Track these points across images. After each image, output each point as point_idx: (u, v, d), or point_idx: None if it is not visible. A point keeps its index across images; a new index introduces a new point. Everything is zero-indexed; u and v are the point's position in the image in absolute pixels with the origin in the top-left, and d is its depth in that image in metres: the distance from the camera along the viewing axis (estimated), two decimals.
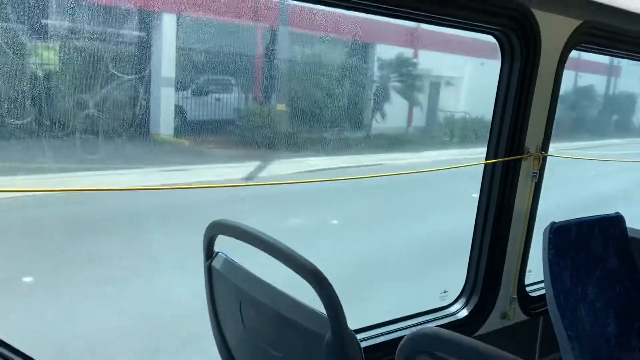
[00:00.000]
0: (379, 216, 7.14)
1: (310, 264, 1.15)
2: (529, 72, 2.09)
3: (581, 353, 1.86)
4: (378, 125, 9.77)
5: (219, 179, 7.65)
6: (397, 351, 1.00)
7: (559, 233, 1.95)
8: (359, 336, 1.91)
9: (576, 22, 2.14)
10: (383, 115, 9.75)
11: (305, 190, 7.69)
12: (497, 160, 2.12)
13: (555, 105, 2.21)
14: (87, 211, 5.44)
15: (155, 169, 7.13)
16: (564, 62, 2.18)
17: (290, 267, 1.17)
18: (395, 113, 9.79)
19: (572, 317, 1.90)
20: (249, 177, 7.99)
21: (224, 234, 1.37)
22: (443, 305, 2.24)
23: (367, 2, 1.69)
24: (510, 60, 2.09)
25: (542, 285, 2.62)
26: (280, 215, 6.77)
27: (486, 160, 2.16)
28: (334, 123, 9.29)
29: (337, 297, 1.12)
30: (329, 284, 1.13)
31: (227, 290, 1.41)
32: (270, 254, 1.21)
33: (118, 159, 6.66)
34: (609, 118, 14.76)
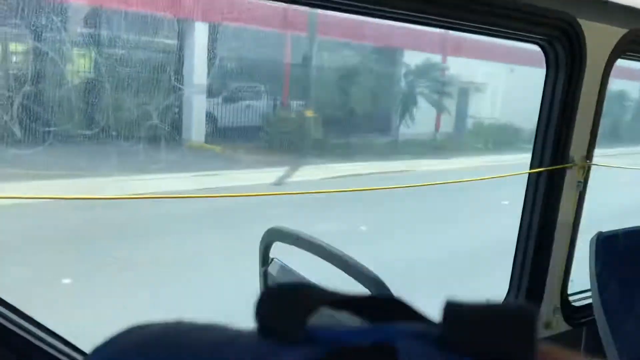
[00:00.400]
0: (407, 223, 7.12)
1: (371, 271, 1.15)
2: (574, 81, 2.08)
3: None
4: (406, 131, 9.74)
5: (248, 184, 7.74)
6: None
7: (606, 243, 1.93)
8: None
9: (622, 31, 2.12)
10: (411, 121, 9.72)
11: (334, 195, 7.70)
12: (541, 170, 2.11)
13: (600, 114, 2.19)
14: (124, 216, 5.54)
15: (188, 174, 7.24)
16: (610, 70, 2.16)
17: (350, 275, 1.17)
18: (423, 119, 9.76)
19: (620, 331, 1.88)
20: (278, 183, 8.05)
21: (281, 241, 1.39)
22: None
23: (410, 13, 1.70)
24: (555, 69, 2.08)
25: (585, 295, 2.60)
26: (309, 222, 6.79)
27: (530, 169, 2.14)
28: (362, 129, 9.30)
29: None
30: (391, 292, 1.13)
31: None
32: (329, 261, 1.22)
33: (152, 165, 6.77)
34: None
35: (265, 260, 1.47)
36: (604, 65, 2.13)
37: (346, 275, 1.20)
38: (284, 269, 1.43)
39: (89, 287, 4.46)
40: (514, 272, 2.24)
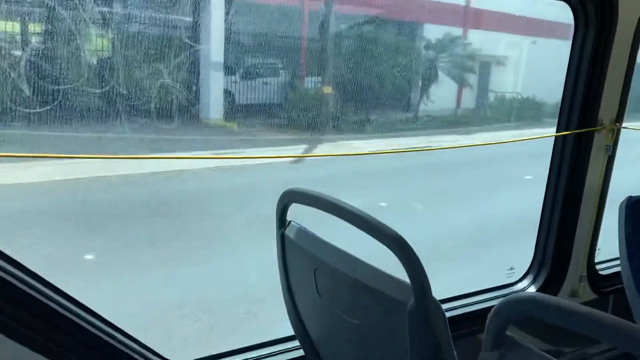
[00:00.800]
0: (428, 199, 7.05)
1: (392, 230, 1.11)
2: (604, 41, 1.99)
3: None
4: (426, 107, 9.62)
5: (266, 162, 7.70)
6: (489, 315, 0.95)
7: (636, 208, 1.87)
8: None
9: None
10: (432, 97, 9.59)
11: (352, 173, 7.67)
12: (568, 132, 2.04)
13: (631, 76, 2.11)
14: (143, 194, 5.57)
15: (205, 152, 7.23)
16: None
17: (370, 234, 1.13)
18: (444, 94, 9.62)
19: None
20: (297, 161, 8.01)
21: (297, 202, 1.35)
22: (509, 282, 2.18)
23: None
24: (584, 27, 2.00)
25: (613, 264, 2.53)
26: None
27: (557, 132, 2.07)
28: (381, 105, 9.19)
29: (421, 264, 1.08)
30: (412, 250, 1.09)
31: (300, 259, 1.40)
32: (348, 220, 1.18)
33: (168, 145, 6.77)
34: None
35: (282, 223, 1.43)
36: (635, 23, 2.04)
37: (365, 235, 1.16)
38: (301, 231, 1.40)
39: (111, 263, 4.49)
40: (539, 239, 2.18)
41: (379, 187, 7.16)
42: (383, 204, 6.77)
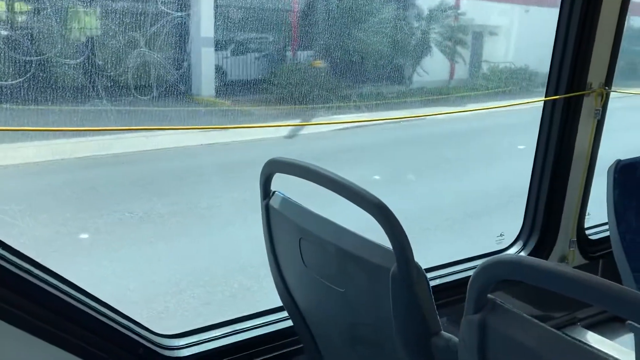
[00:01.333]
0: (420, 170, 7.04)
1: (374, 196, 1.11)
2: (593, 3, 1.97)
3: None
4: (419, 79, 9.54)
5: (260, 137, 7.66)
6: (471, 277, 0.92)
7: (624, 172, 1.86)
8: None
9: None
10: (425, 68, 9.51)
11: (343, 147, 7.65)
12: (557, 97, 2.02)
13: (620, 39, 2.09)
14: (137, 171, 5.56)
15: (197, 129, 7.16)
16: None
17: (352, 201, 1.13)
18: (436, 66, 9.54)
19: (638, 258, 1.83)
20: (289, 136, 7.98)
21: (280, 171, 1.35)
22: (500, 249, 2.18)
23: None
24: None
25: (602, 228, 2.54)
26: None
27: (546, 97, 2.06)
28: (373, 78, 9.12)
29: (403, 229, 1.08)
30: (394, 217, 1.09)
31: (285, 229, 1.39)
32: (330, 188, 1.18)
33: (161, 121, 6.72)
34: None
35: (266, 193, 1.43)
36: None
37: (349, 203, 1.16)
38: (285, 201, 1.39)
39: (106, 240, 4.49)
40: (528, 205, 2.18)
41: (373, 160, 7.16)
42: (377, 177, 6.77)
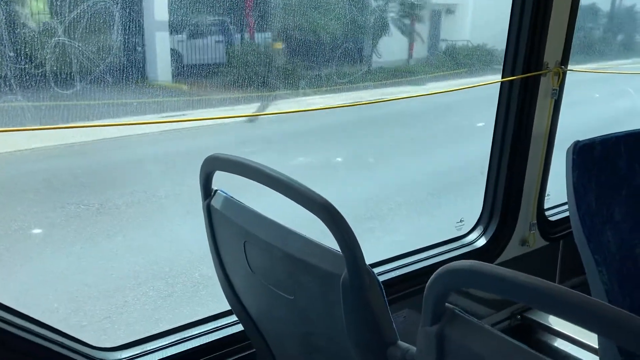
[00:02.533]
0: (382, 152, 7.02)
1: (321, 197, 1.02)
2: None
3: (609, 278, 1.77)
4: (378, 59, 9.49)
5: (220, 122, 7.53)
6: (426, 288, 0.87)
7: (583, 153, 1.83)
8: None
9: None
10: (384, 48, 9.46)
11: (306, 130, 7.58)
12: (514, 77, 1.98)
13: (575, 18, 2.05)
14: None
15: (154, 115, 7.01)
16: None
17: (297, 202, 1.04)
18: (396, 45, 9.50)
19: (599, 241, 1.81)
20: (250, 120, 7.86)
21: (221, 169, 1.24)
22: (459, 235, 2.15)
23: None
24: None
25: (561, 209, 2.54)
26: (284, 157, 6.67)
27: (503, 77, 2.01)
28: (333, 59, 9.03)
29: (352, 232, 1.00)
30: (342, 218, 1.00)
31: (229, 231, 1.30)
32: (274, 188, 1.09)
33: (113, 109, 6.54)
34: (615, 39, 14.30)
35: (207, 192, 1.33)
36: None
37: (294, 203, 1.08)
38: (228, 201, 1.29)
39: (61, 235, 4.35)
40: (487, 189, 2.14)
41: (334, 142, 7.10)
42: (339, 159, 6.72)
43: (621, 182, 1.94)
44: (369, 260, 1.04)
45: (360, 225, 4.81)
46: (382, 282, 1.81)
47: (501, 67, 2.04)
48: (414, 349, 0.97)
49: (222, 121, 7.71)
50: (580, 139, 1.82)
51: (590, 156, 1.85)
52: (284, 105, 8.63)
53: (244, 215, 1.23)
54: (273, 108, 8.42)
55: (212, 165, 1.26)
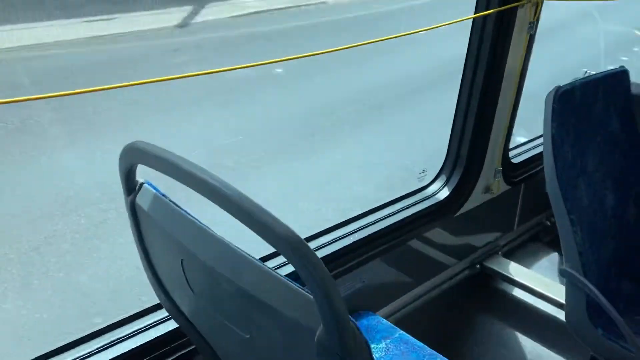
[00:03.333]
0: (325, 61, 6.65)
1: (283, 225, 0.72)
2: None
3: (581, 230, 1.65)
4: None
5: (149, 27, 6.98)
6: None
7: (563, 100, 1.64)
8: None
9: None
10: None
11: (243, 36, 7.14)
12: (490, 11, 1.72)
13: None
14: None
15: (78, 19, 6.39)
16: None
17: (249, 226, 0.74)
18: None
19: (573, 196, 1.67)
20: (183, 24, 7.30)
21: (145, 164, 0.94)
22: (421, 186, 1.96)
23: None
24: None
25: (524, 148, 2.39)
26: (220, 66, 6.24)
27: (476, 12, 1.75)
28: None
29: (328, 273, 0.71)
30: (314, 254, 0.71)
31: (163, 241, 1.02)
32: (215, 201, 0.78)
33: (29, 12, 5.90)
34: None
35: (129, 188, 1.03)
36: None
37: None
38: (158, 201, 0.99)
39: None
40: (453, 135, 1.94)
41: (273, 51, 6.67)
42: (279, 70, 6.34)
43: (597, 128, 1.79)
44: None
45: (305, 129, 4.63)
46: (342, 248, 1.62)
47: None
48: None
49: (151, 27, 7.16)
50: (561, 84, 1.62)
51: (570, 103, 1.67)
52: (218, 7, 8.08)
53: (181, 225, 0.94)
54: (207, 10, 7.86)
55: (132, 158, 0.94)
